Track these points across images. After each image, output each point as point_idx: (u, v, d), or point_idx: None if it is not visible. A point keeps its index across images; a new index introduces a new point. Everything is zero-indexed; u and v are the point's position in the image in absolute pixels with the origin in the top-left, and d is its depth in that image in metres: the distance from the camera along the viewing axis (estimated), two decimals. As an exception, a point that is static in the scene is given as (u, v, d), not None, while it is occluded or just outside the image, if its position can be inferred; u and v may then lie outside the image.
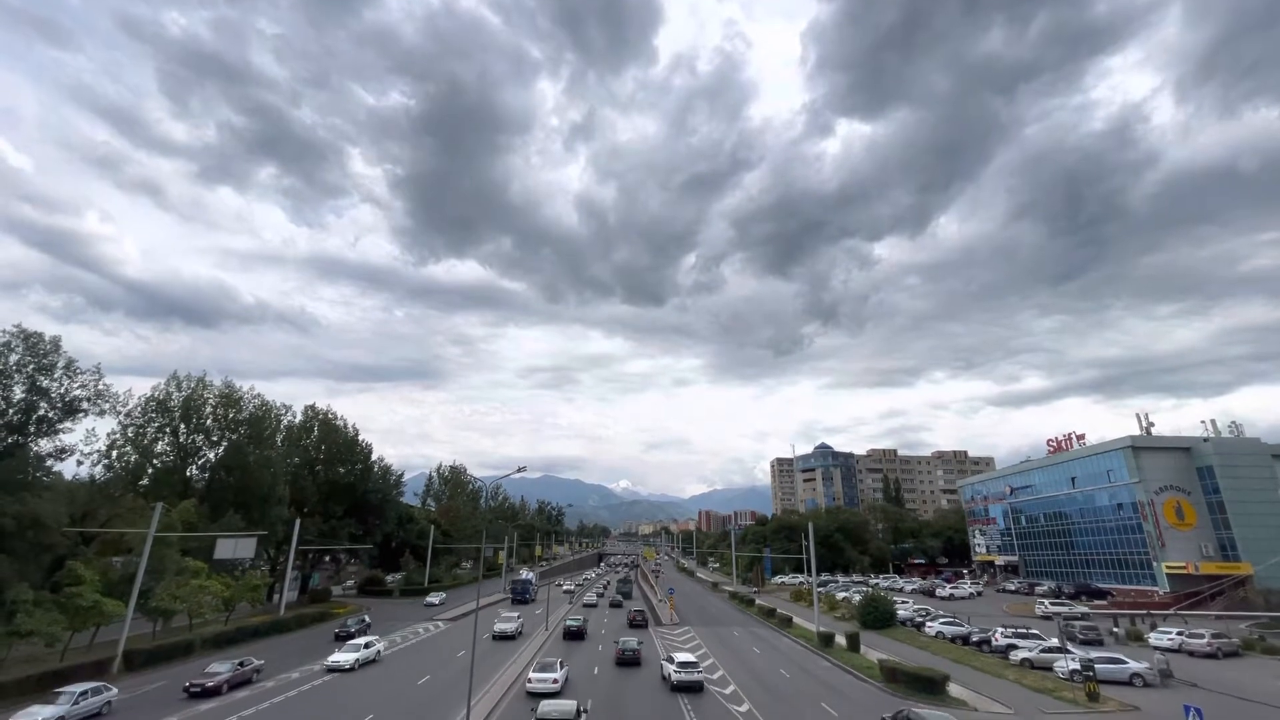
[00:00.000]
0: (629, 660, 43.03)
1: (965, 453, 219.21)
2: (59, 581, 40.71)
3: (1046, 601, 72.95)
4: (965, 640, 52.71)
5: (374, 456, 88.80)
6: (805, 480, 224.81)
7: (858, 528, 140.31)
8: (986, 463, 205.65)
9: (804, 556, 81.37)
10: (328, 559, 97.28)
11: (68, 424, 47.78)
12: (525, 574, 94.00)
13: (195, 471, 64.43)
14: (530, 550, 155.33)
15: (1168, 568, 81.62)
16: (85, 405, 48.33)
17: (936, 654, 47.72)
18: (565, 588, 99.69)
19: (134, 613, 41.56)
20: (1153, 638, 51.74)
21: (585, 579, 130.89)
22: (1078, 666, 37.39)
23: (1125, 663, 39.52)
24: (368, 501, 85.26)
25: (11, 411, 44.36)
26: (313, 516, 74.31)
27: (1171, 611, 68.57)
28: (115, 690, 31.38)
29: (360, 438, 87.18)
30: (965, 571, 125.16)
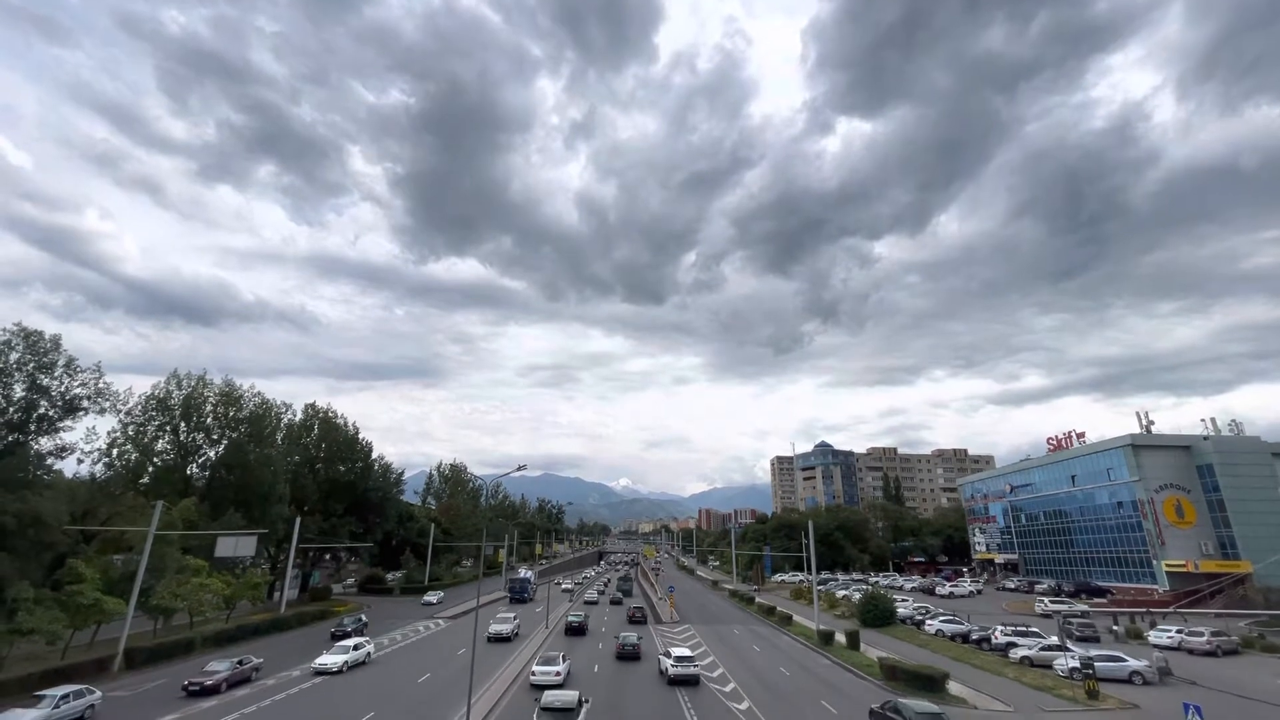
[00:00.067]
0: (629, 655, 44.41)
1: (965, 451, 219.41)
2: (60, 579, 40.72)
3: (1046, 599, 73.01)
4: (965, 638, 52.80)
5: (374, 455, 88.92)
6: (805, 478, 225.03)
7: (858, 526, 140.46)
8: (986, 461, 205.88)
9: (804, 555, 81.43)
10: (328, 557, 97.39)
11: (68, 422, 47.80)
12: (524, 572, 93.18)
13: (196, 470, 64.48)
14: (530, 548, 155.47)
15: (1167, 566, 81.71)
16: (85, 403, 48.34)
17: (936, 652, 47.78)
18: (564, 586, 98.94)
19: (135, 611, 41.59)
20: (1152, 636, 51.82)
21: (585, 577, 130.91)
22: (1077, 664, 37.43)
23: (1125, 661, 39.54)
24: (368, 500, 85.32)
25: (12, 410, 44.36)
26: (313, 515, 74.40)
27: (1171, 609, 68.65)
28: (99, 693, 30.33)
29: (360, 436, 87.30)
30: (965, 570, 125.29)
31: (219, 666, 35.21)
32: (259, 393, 70.28)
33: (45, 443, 46.77)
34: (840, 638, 50.65)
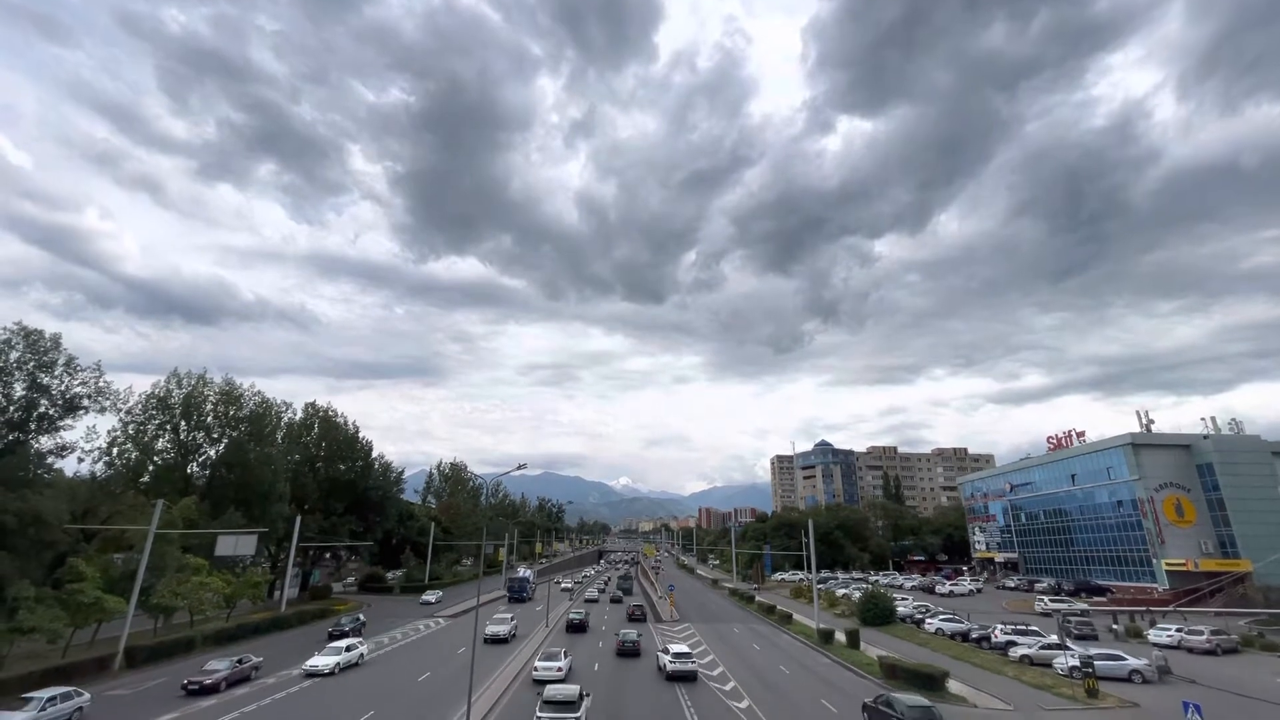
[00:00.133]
0: (629, 651, 45.25)
1: (965, 450, 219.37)
2: (60, 578, 40.73)
3: (1046, 598, 73.05)
4: (965, 637, 52.85)
5: (374, 454, 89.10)
6: (805, 477, 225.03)
7: (858, 525, 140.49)
8: (986, 460, 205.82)
9: (804, 553, 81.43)
10: (328, 556, 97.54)
11: (68, 421, 47.90)
12: (522, 571, 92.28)
13: (196, 469, 64.54)
14: (530, 547, 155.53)
15: (1167, 565, 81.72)
16: (86, 402, 48.44)
17: (936, 650, 47.79)
18: (564, 586, 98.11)
19: (135, 609, 41.64)
20: (1152, 634, 51.85)
21: (585, 576, 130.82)
22: (1077, 663, 37.44)
23: (1124, 659, 39.55)
24: (368, 498, 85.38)
25: (12, 409, 44.42)
26: (313, 513, 74.46)
27: (1171, 608, 68.73)
28: (88, 695, 29.86)
29: (360, 435, 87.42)
30: (965, 568, 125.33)
31: (218, 665, 35.19)
32: (259, 392, 70.41)
33: (46, 441, 46.89)
34: (840, 636, 50.69)
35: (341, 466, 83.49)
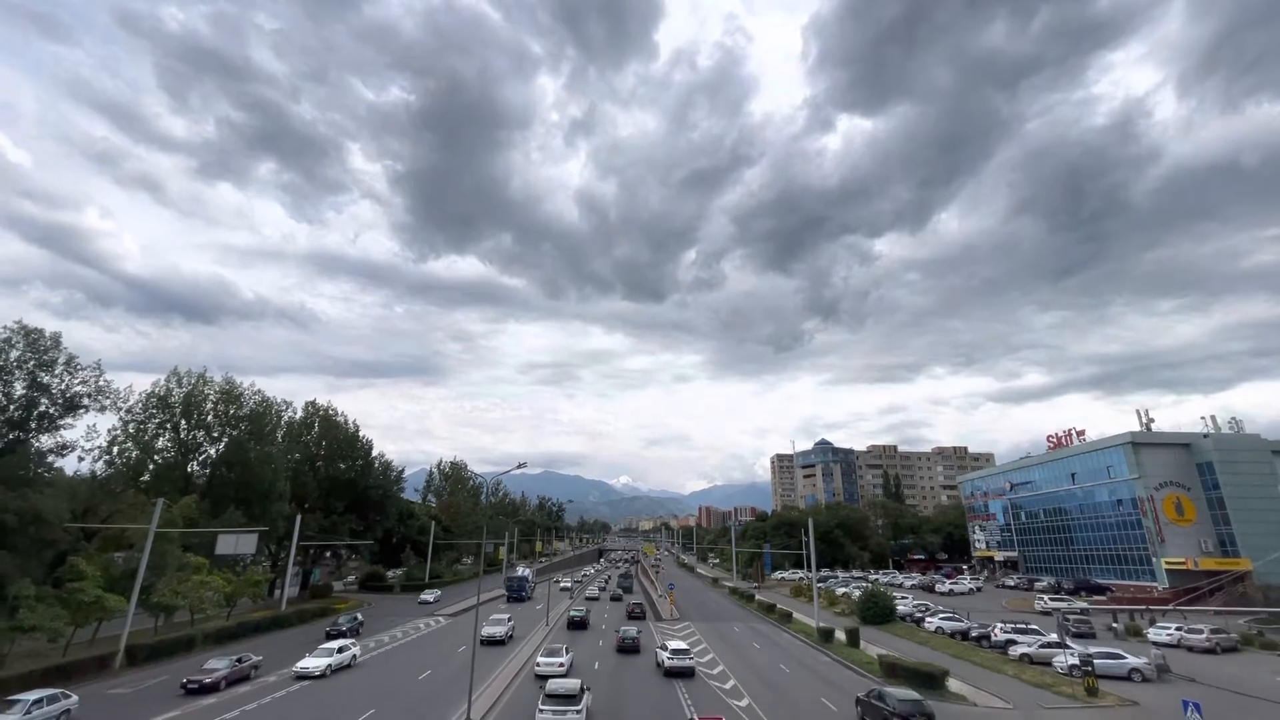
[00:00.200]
0: (629, 648, 46.07)
1: (965, 449, 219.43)
2: (61, 577, 40.80)
3: (1046, 597, 73.10)
4: (964, 635, 52.87)
5: (374, 452, 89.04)
6: (805, 476, 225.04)
7: (858, 524, 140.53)
8: (986, 459, 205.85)
9: (804, 552, 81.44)
10: (329, 555, 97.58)
11: (69, 420, 47.95)
12: (521, 570, 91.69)
13: (196, 467, 64.52)
14: (531, 546, 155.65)
15: (1167, 563, 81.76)
16: (86, 401, 48.49)
17: (936, 649, 47.82)
18: (563, 585, 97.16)
19: (136, 608, 41.71)
20: (1152, 633, 51.88)
21: (584, 575, 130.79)
22: (1077, 662, 37.47)
23: (1124, 658, 39.57)
24: (368, 497, 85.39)
25: (12, 407, 44.45)
26: (314, 512, 74.48)
27: (1171, 607, 68.74)
28: (75, 697, 29.29)
29: (361, 434, 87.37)
30: (965, 567, 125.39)
31: (218, 664, 35.15)
32: (259, 390, 70.40)
33: (46, 440, 46.94)
34: (840, 635, 50.72)
35: (342, 465, 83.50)
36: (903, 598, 71.46)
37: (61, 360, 46.28)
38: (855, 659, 43.85)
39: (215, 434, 64.79)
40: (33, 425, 45.64)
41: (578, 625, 57.36)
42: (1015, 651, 45.01)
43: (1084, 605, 68.94)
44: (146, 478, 59.76)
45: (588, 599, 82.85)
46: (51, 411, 46.56)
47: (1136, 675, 38.25)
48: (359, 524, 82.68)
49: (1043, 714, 32.04)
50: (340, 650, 39.59)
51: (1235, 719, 30.83)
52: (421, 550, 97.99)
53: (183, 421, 62.57)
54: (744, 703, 32.99)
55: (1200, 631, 49.10)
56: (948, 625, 55.34)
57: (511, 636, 51.45)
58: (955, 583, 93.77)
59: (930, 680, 35.36)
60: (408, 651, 46.03)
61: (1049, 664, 41.52)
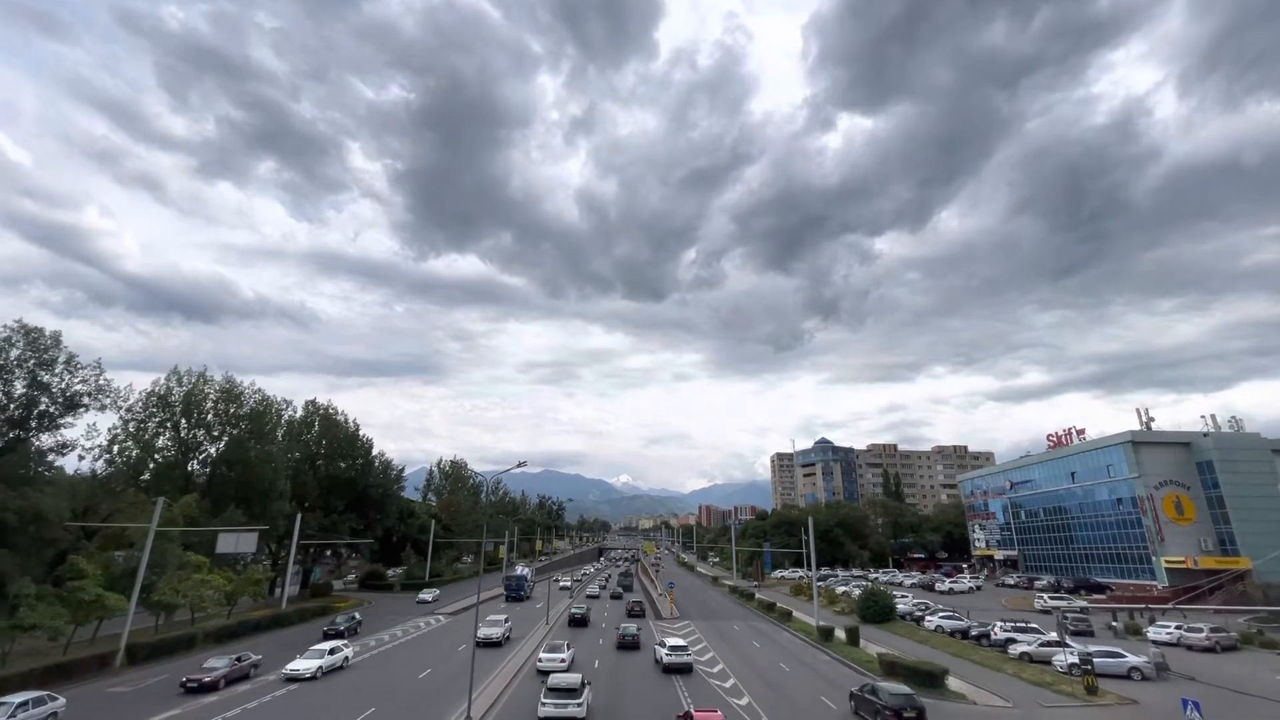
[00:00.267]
0: (629, 644, 46.91)
1: (965, 448, 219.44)
2: (61, 576, 40.80)
3: (1046, 596, 73.14)
4: (964, 634, 52.89)
5: (375, 451, 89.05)
6: (805, 475, 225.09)
7: (857, 522, 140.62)
8: (986, 458, 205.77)
9: (804, 551, 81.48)
10: (329, 553, 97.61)
11: (69, 419, 48.03)
12: (520, 569, 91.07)
13: (196, 466, 64.56)
14: (531, 545, 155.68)
15: (1167, 562, 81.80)
16: (86, 400, 48.55)
17: (936, 648, 47.84)
18: (562, 584, 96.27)
19: (136, 607, 41.69)
20: (1151, 632, 51.86)
21: (584, 574, 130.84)
22: (1076, 660, 37.50)
23: (1124, 656, 39.59)
24: (369, 496, 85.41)
25: (13, 406, 44.49)
26: (314, 511, 74.50)
27: (1170, 606, 68.77)
28: (62, 700, 28.77)
29: (361, 433, 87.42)
30: (965, 566, 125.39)
31: (217, 663, 35.07)
32: (259, 389, 70.47)
33: (46, 439, 47.01)
34: (840, 634, 50.75)
35: (342, 464, 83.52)
36: (902, 596, 71.52)
37: (61, 359, 46.32)
38: (855, 657, 43.88)
39: (215, 433, 64.83)
40: (33, 424, 45.69)
41: (578, 623, 58.19)
42: (1015, 650, 45.01)
43: (1084, 604, 69.00)
44: (147, 476, 59.79)
45: (588, 597, 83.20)
46: (52, 410, 46.60)
47: (1136, 674, 38.27)
48: (359, 523, 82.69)
49: (1042, 712, 32.06)
50: (332, 652, 38.68)
51: (1235, 718, 30.84)
52: (422, 549, 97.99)
53: (183, 420, 62.59)
54: (744, 701, 33.03)
55: (1200, 630, 49.11)
56: (947, 624, 55.36)
57: (508, 638, 50.13)
58: (955, 581, 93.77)
59: (930, 679, 35.36)
60: (405, 651, 45.97)
61: (1049, 662, 41.54)
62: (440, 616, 63.09)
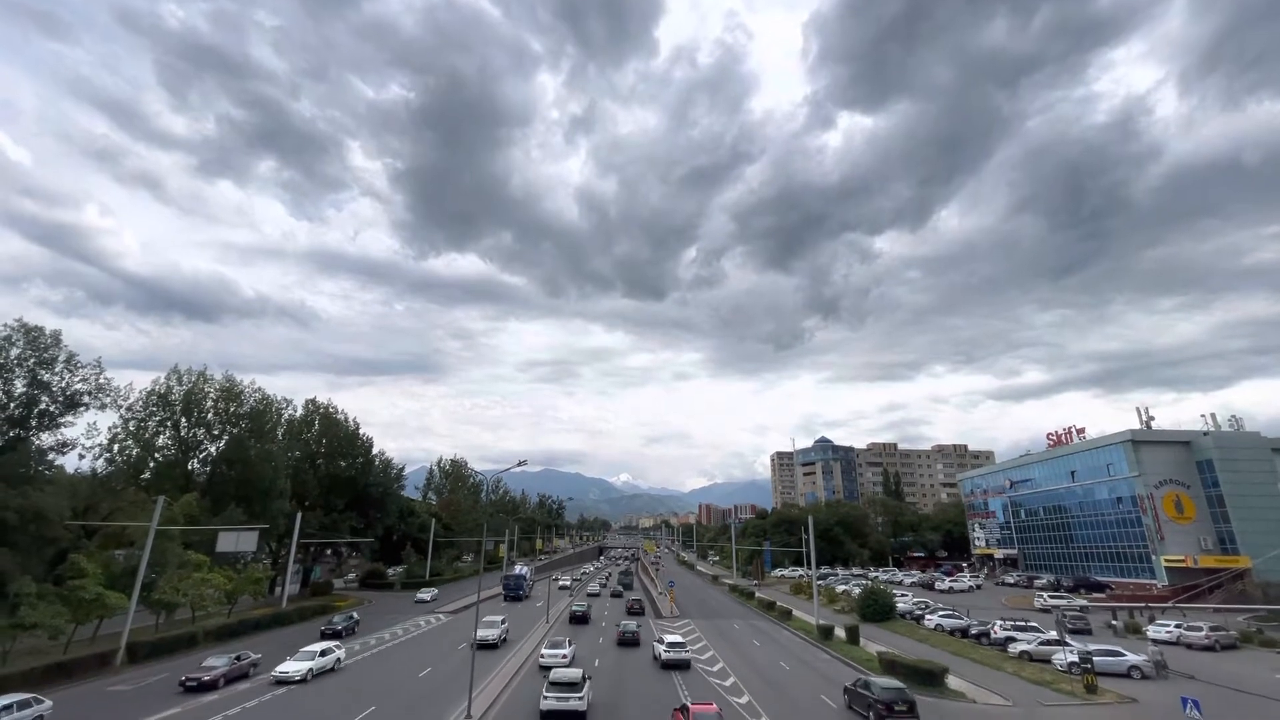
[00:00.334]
0: (629, 641, 47.75)
1: (965, 446, 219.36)
2: (62, 574, 40.82)
3: (1045, 594, 73.16)
4: (964, 633, 52.92)
5: (375, 450, 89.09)
6: (805, 474, 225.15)
7: (857, 521, 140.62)
8: (986, 456, 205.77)
9: (804, 550, 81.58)
10: (329, 552, 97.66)
11: (69, 418, 48.08)
12: (519, 568, 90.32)
13: (197, 465, 64.58)
14: (531, 543, 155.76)
15: (1166, 561, 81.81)
16: (86, 399, 48.61)
17: (935, 646, 47.89)
18: (562, 583, 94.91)
19: (137, 605, 41.71)
20: (1151, 630, 51.88)
21: (584, 573, 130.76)
22: (1076, 659, 37.53)
23: (1123, 655, 39.62)
24: (369, 495, 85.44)
25: (13, 405, 44.52)
26: (314, 510, 74.54)
27: (1170, 604, 68.81)
28: (49, 702, 28.39)
29: (361, 431, 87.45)
30: (964, 565, 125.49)
31: (217, 662, 35.01)
32: (259, 388, 70.52)
33: (46, 438, 47.06)
34: (840, 633, 50.78)
35: (342, 463, 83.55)
36: (902, 595, 71.56)
37: (62, 358, 46.36)
38: (855, 656, 43.90)
39: (216, 432, 64.83)
40: (33, 423, 45.72)
41: (579, 620, 59.19)
42: (1015, 649, 45.05)
43: (1083, 603, 69.02)
44: (147, 475, 59.78)
45: (589, 595, 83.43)
46: (52, 409, 46.64)
47: (1136, 673, 38.29)
48: (359, 521, 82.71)
49: (1042, 711, 32.08)
50: (323, 653, 37.63)
51: (1234, 716, 30.86)
52: (422, 548, 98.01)
53: (183, 419, 62.59)
54: (744, 699, 33.06)
55: (1199, 629, 49.14)
56: (947, 623, 55.39)
57: (505, 640, 48.60)
58: (955, 580, 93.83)
59: (930, 677, 35.40)
60: (404, 650, 45.77)
61: (1049, 661, 41.57)
62: (440, 615, 63.11)
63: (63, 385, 46.85)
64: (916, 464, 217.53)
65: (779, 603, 69.57)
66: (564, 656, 39.16)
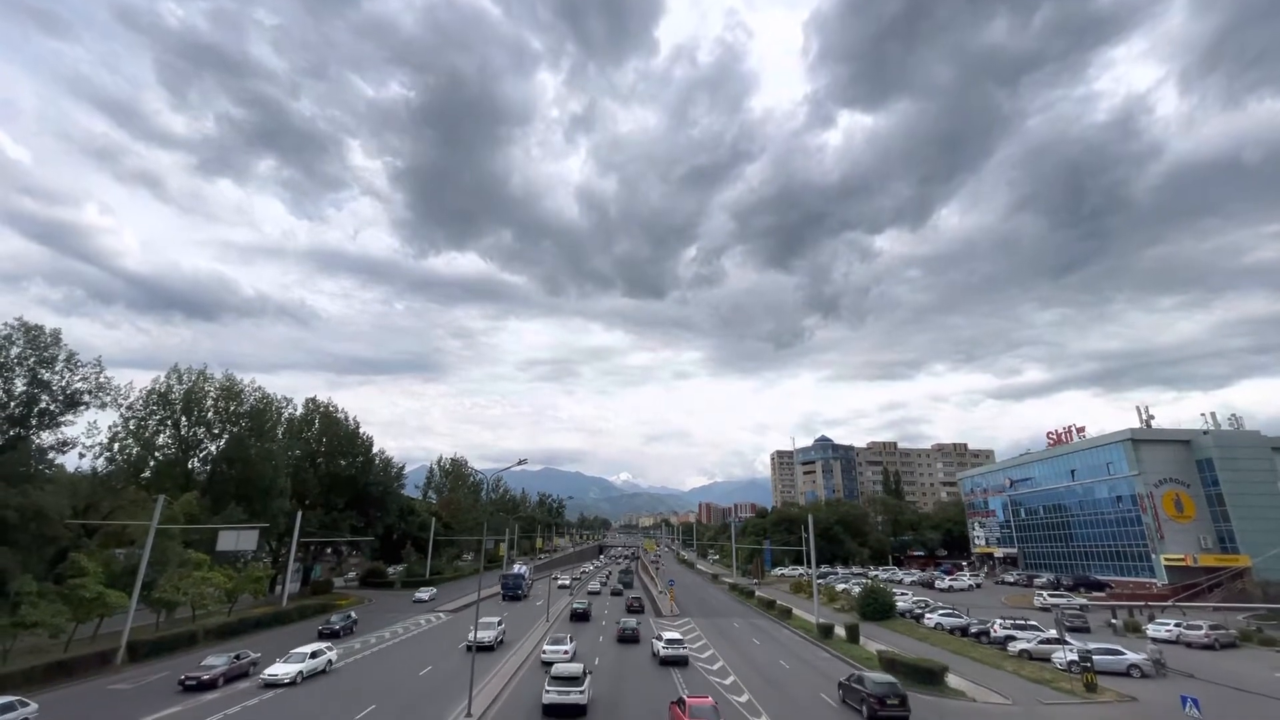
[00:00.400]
0: (629, 638, 48.64)
1: (965, 445, 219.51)
2: (62, 573, 40.84)
3: (1045, 593, 73.20)
4: (964, 632, 52.95)
5: (375, 449, 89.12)
6: (805, 473, 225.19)
7: (857, 520, 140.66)
8: (986, 455, 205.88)
9: (804, 549, 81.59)
10: (329, 551, 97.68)
11: (69, 417, 48.03)
12: (518, 567, 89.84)
13: (197, 464, 64.56)
14: (531, 542, 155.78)
15: (1166, 560, 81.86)
16: (86, 398, 48.56)
17: (935, 645, 47.94)
18: (561, 582, 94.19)
19: (138, 604, 41.74)
20: (1150, 629, 51.92)
21: (583, 571, 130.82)
22: (1076, 658, 37.56)
23: (1123, 654, 39.67)
24: (369, 494, 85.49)
25: (13, 404, 44.49)
26: (314, 509, 74.60)
27: (1170, 603, 68.85)
28: (34, 705, 27.75)
29: (361, 430, 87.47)
30: (964, 564, 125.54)
31: (216, 661, 34.97)
32: (260, 387, 70.47)
33: (47, 437, 47.01)
34: (840, 631, 50.84)
35: (342, 462, 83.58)
36: (902, 594, 71.60)
37: (62, 357, 46.31)
38: (855, 655, 43.94)
39: (216, 430, 64.82)
40: (33, 422, 45.68)
41: (580, 617, 60.22)
42: (1014, 647, 45.11)
43: (1083, 601, 69.04)
44: (147, 474, 59.76)
45: (589, 593, 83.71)
46: (52, 408, 46.60)
47: (1135, 671, 38.34)
48: (359, 520, 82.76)
49: (1042, 709, 32.12)
50: (314, 655, 36.70)
51: (1234, 715, 30.89)
52: (422, 546, 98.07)
53: (183, 418, 62.58)
54: (744, 698, 33.10)
55: (1199, 627, 49.18)
56: (947, 621, 55.42)
57: (501, 641, 47.00)
58: (955, 579, 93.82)
59: (929, 676, 35.43)
60: (402, 650, 45.52)
61: (1048, 660, 41.64)
62: (440, 614, 63.14)
63: (63, 384, 46.81)
64: (916, 463, 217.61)
65: (779, 601, 69.63)
66: (566, 652, 40.08)
